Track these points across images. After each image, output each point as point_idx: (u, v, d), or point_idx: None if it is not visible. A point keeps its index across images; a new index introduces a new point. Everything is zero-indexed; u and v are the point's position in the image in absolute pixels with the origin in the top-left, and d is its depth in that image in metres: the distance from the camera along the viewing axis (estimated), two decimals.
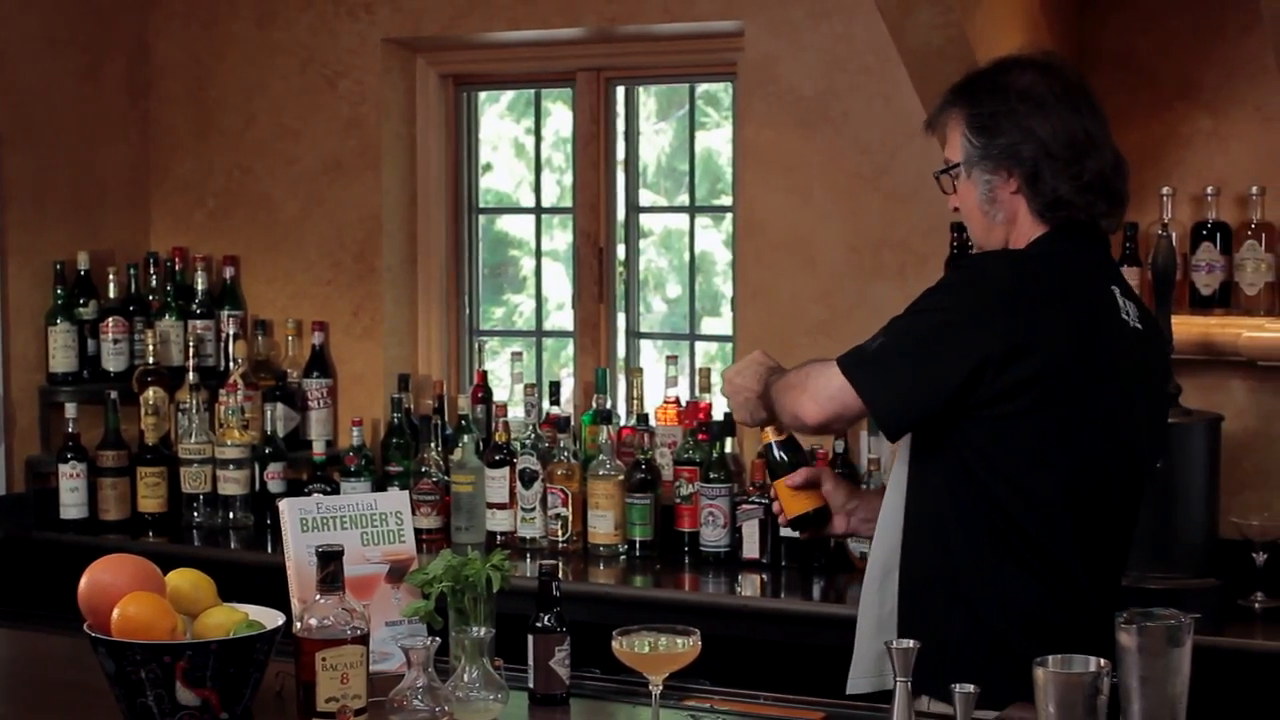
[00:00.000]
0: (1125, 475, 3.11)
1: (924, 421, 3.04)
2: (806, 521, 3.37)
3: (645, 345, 5.56)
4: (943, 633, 2.99)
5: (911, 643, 2.56)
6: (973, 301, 3.03)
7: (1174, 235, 4.44)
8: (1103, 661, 2.45)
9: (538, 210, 5.76)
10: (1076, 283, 3.10)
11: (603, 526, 4.94)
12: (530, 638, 2.97)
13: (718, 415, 4.97)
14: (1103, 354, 3.05)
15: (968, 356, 2.97)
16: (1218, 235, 4.53)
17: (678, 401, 5.11)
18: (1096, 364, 3.04)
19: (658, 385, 5.22)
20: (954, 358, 2.98)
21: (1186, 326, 4.42)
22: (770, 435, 3.33)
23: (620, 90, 5.52)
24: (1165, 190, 4.54)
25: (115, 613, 2.73)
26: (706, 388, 5.05)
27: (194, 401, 5.44)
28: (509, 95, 5.85)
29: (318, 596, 2.70)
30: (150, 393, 5.47)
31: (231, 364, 5.53)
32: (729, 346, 5.34)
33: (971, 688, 2.48)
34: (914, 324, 3.06)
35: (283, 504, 3.15)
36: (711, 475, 4.83)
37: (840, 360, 3.07)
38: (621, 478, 4.93)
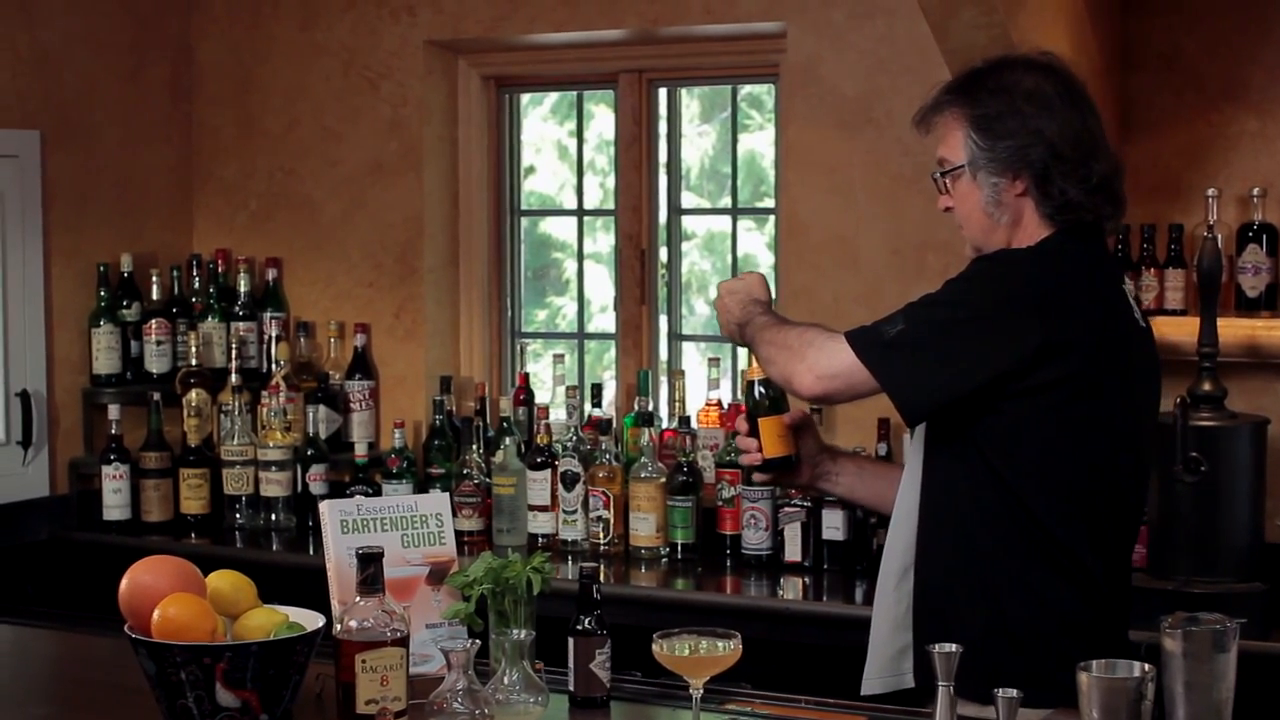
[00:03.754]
0: (1134, 472, 3.17)
1: (944, 410, 3.05)
2: (777, 465, 3.32)
3: (688, 348, 5.55)
4: (962, 630, 2.98)
5: (954, 647, 2.54)
6: (1004, 297, 3.03)
7: (1220, 237, 4.40)
8: (1147, 666, 2.44)
9: (580, 212, 5.76)
10: (1097, 281, 3.14)
11: (644, 529, 4.93)
12: (570, 640, 2.96)
13: None
14: (1121, 352, 3.09)
15: (1000, 352, 2.98)
16: (1264, 237, 4.50)
17: (720, 404, 5.10)
18: (1116, 362, 3.07)
19: (700, 387, 5.21)
20: (985, 352, 2.99)
21: (1232, 329, 4.39)
22: (757, 372, 3.30)
23: (663, 92, 5.51)
24: (1211, 192, 4.51)
25: (156, 614, 2.73)
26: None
27: (236, 403, 5.45)
28: (552, 98, 5.85)
29: (358, 598, 2.70)
30: (193, 394, 5.48)
31: (274, 366, 5.54)
32: None
33: (1015, 692, 2.47)
34: (940, 314, 3.06)
35: (323, 505, 3.15)
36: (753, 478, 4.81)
37: (853, 340, 3.07)
38: (663, 480, 4.92)
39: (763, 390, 3.29)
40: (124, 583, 2.84)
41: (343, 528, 3.12)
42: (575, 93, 5.74)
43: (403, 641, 2.68)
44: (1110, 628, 3.10)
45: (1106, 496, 3.08)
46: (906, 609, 3.16)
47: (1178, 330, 4.46)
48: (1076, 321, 3.01)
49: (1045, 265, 3.08)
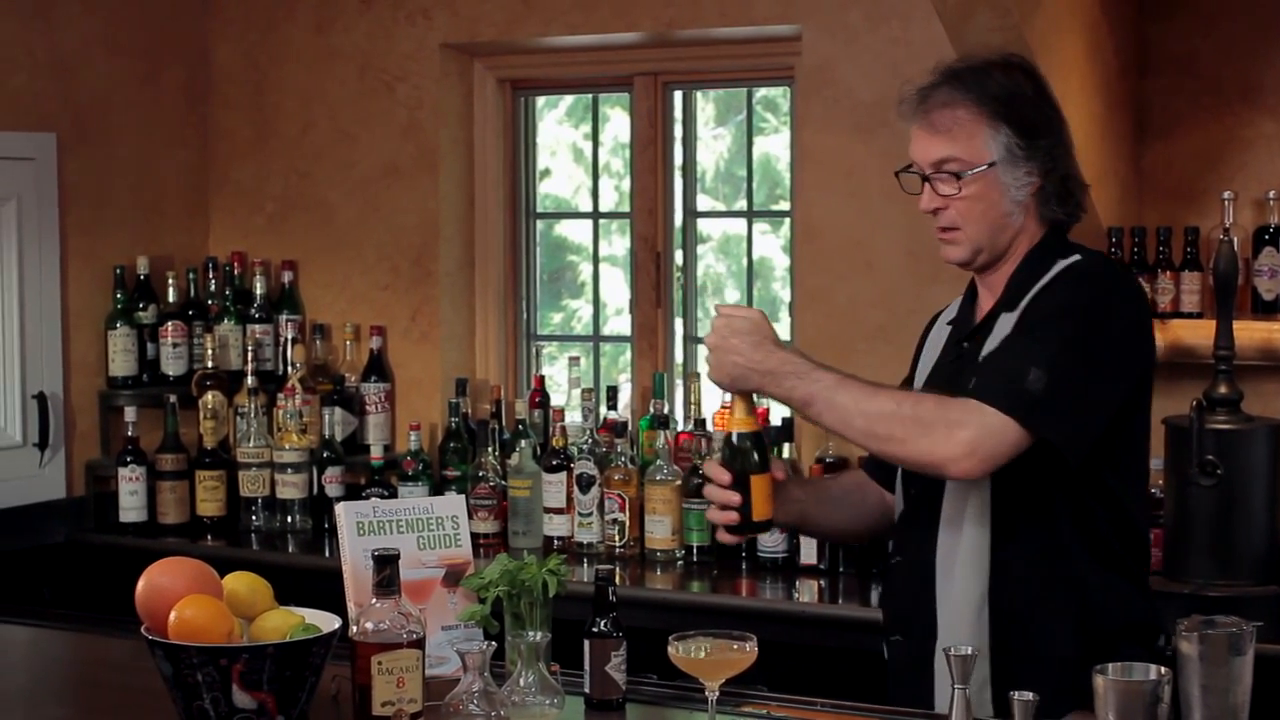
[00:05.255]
0: None
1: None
2: (764, 527, 3.12)
3: (703, 350, 5.53)
4: (1052, 649, 2.99)
5: (969, 649, 2.54)
6: (1120, 317, 3.04)
7: (1235, 240, 4.39)
8: (1164, 669, 2.44)
9: (595, 215, 5.76)
10: None
11: (660, 531, 4.93)
12: (586, 643, 2.96)
13: (775, 420, 4.95)
14: None
15: (1131, 371, 3.03)
16: None
17: None
18: None
19: (714, 390, 5.20)
20: (1122, 376, 3.02)
21: (1248, 332, 4.39)
22: (745, 424, 3.05)
23: (678, 95, 5.51)
24: (1227, 194, 4.50)
25: (172, 615, 2.73)
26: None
27: (252, 405, 5.45)
28: (567, 101, 5.86)
29: (374, 600, 2.70)
30: (209, 397, 5.49)
31: (290, 368, 5.55)
32: None
33: (1030, 695, 2.47)
34: (1079, 353, 2.98)
35: (339, 507, 3.15)
36: None
37: (1006, 407, 2.90)
38: (679, 483, 4.92)
39: (754, 446, 3.05)
40: (140, 584, 2.84)
41: (358, 530, 3.12)
42: (590, 95, 5.74)
43: (418, 643, 2.68)
44: (1156, 615, 3.14)
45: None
46: (985, 640, 3.03)
47: (1194, 333, 4.46)
48: (1151, 328, 3.13)
49: (1126, 276, 3.17)
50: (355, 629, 2.69)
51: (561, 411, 5.18)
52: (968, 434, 2.89)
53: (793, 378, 3.00)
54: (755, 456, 3.04)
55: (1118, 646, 2.93)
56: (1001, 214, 3.10)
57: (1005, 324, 3.10)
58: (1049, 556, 3.04)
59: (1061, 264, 3.10)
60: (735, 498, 3.04)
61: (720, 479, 3.06)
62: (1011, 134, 3.06)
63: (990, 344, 3.10)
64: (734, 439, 3.05)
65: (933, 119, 3.11)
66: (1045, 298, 3.06)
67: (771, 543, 4.82)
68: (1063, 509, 3.03)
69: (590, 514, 5.01)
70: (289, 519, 5.39)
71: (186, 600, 2.75)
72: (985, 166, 3.07)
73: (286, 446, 5.38)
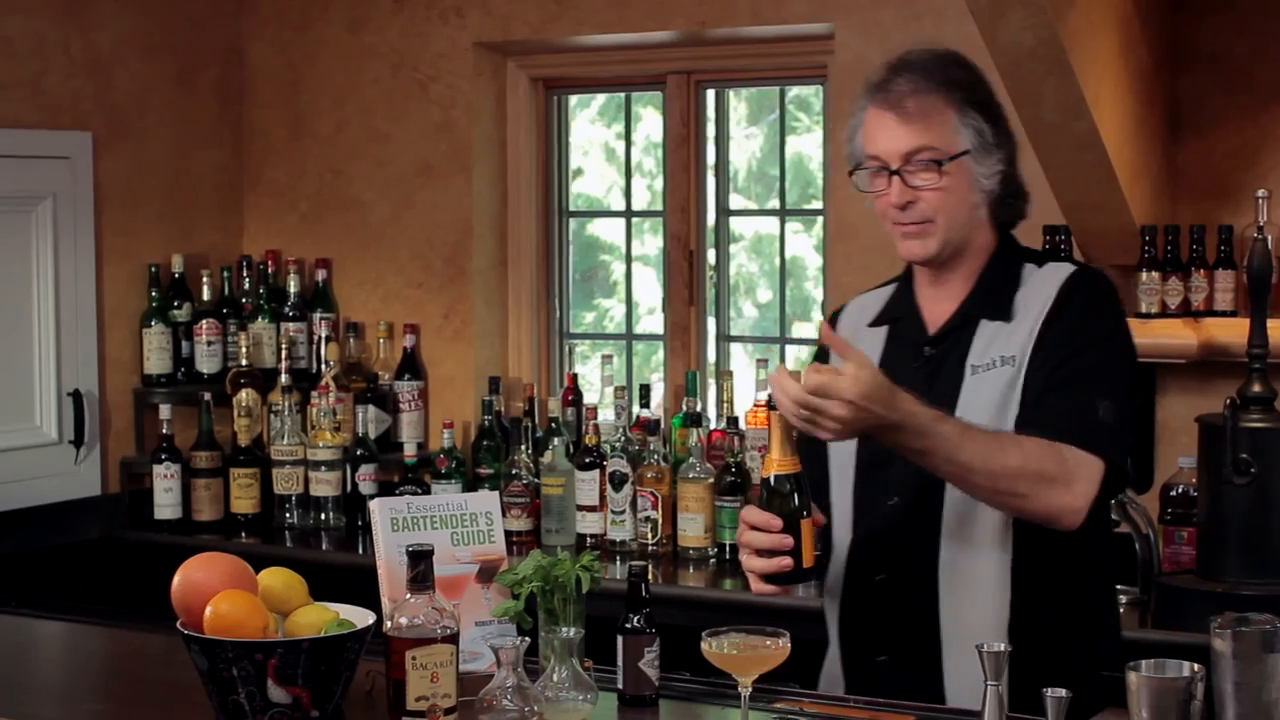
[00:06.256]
0: None
1: None
2: (812, 575, 2.94)
3: (735, 349, 5.55)
4: (1071, 670, 2.90)
5: (1003, 645, 2.54)
6: (1127, 332, 3.05)
7: (1270, 238, 4.37)
8: (1197, 667, 2.43)
9: (628, 214, 5.76)
10: None
11: (692, 529, 4.93)
12: (619, 639, 2.96)
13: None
14: None
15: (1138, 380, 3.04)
16: None
17: (768, 404, 5.08)
18: None
19: (748, 388, 5.21)
20: (1136, 383, 3.02)
21: None
22: (786, 464, 2.87)
23: (710, 94, 5.52)
24: (1261, 193, 4.48)
25: (208, 610, 2.75)
26: None
27: (286, 403, 5.47)
28: (600, 100, 5.86)
29: (408, 596, 2.70)
30: (243, 395, 5.51)
31: (323, 366, 5.57)
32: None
33: (1064, 692, 2.46)
34: (1120, 371, 2.98)
35: (373, 503, 3.16)
36: None
37: (1098, 449, 2.87)
38: (711, 481, 4.92)
39: (790, 485, 2.86)
40: (176, 579, 2.85)
41: (393, 525, 3.12)
42: (623, 94, 5.75)
43: (452, 639, 2.69)
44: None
45: None
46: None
47: (1227, 331, 4.45)
48: None
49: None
50: (389, 624, 2.70)
51: (594, 409, 5.19)
52: (1084, 485, 2.86)
53: (912, 433, 2.81)
54: (797, 500, 2.87)
55: (1118, 662, 2.84)
56: (971, 206, 3.02)
57: (993, 333, 3.03)
58: (1070, 576, 3.01)
59: (1036, 270, 3.08)
60: (788, 541, 2.85)
61: (771, 525, 2.86)
62: (981, 121, 2.99)
63: (980, 354, 3.02)
64: (773, 481, 2.88)
65: (905, 106, 2.98)
66: (1074, 317, 2.98)
67: None
68: (1086, 527, 2.95)
69: (623, 512, 5.01)
70: (322, 516, 5.41)
71: (222, 595, 2.77)
72: (960, 154, 2.99)
73: (320, 444, 5.40)
